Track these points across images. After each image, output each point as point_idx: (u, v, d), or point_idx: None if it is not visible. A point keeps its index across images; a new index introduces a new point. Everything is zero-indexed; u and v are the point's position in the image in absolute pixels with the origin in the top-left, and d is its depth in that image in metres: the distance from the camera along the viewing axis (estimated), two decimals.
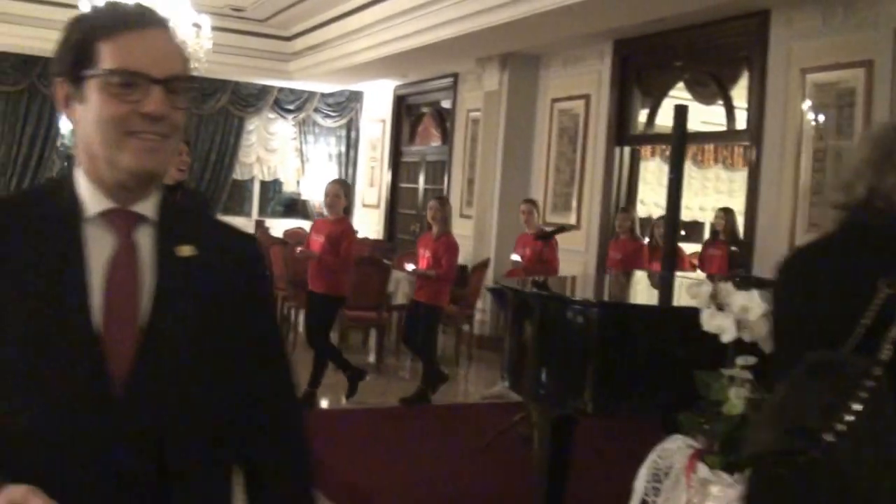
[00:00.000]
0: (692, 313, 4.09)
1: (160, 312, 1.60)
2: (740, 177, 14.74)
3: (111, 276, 1.59)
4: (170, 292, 1.62)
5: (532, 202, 10.24)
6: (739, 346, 3.40)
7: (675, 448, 3.33)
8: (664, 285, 6.53)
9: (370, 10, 12.54)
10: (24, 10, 13.39)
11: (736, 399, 3.19)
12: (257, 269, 1.85)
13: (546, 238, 8.79)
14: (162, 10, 7.01)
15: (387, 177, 16.26)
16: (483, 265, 11.24)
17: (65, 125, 15.65)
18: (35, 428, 1.51)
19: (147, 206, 1.68)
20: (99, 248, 1.60)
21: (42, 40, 13.58)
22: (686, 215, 13.69)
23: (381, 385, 9.41)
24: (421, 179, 15.49)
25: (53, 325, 1.53)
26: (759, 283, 4.50)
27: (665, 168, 13.93)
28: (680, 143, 7.79)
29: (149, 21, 1.66)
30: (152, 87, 1.60)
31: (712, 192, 14.92)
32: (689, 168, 14.16)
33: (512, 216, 11.39)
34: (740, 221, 9.78)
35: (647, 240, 10.70)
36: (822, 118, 8.26)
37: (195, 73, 6.98)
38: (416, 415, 8.29)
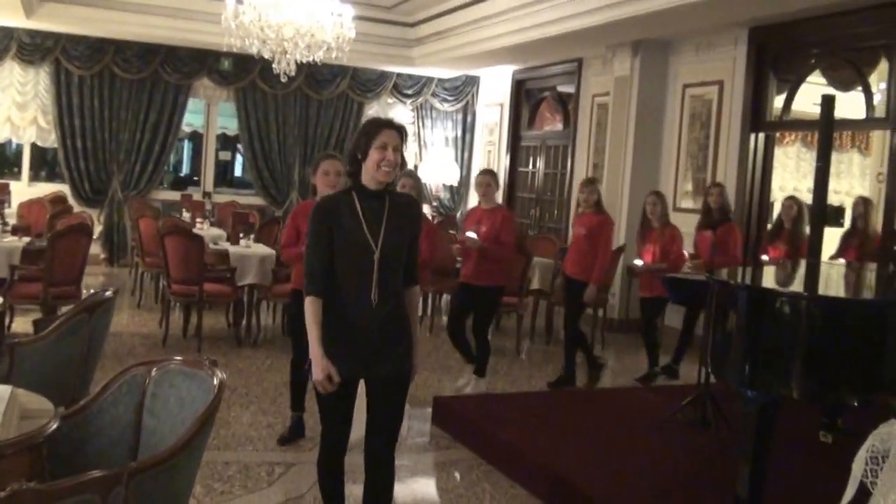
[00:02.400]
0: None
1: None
2: (848, 158, 14.73)
3: None
4: None
5: (491, 173, 9.29)
6: None
7: (893, 432, 3.46)
8: (834, 276, 6.66)
9: (497, 0, 12.72)
10: None
11: None
12: None
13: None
14: (305, 0, 7.17)
15: (505, 161, 16.42)
16: (618, 251, 11.28)
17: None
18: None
19: None
20: None
21: (164, 28, 14.07)
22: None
23: (524, 370, 9.65)
24: (540, 164, 15.63)
25: None
26: None
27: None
28: (827, 132, 7.93)
29: None
30: None
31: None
32: (799, 151, 14.19)
33: (642, 202, 11.52)
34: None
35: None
36: None
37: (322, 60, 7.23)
38: (567, 398, 8.45)
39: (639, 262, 9.30)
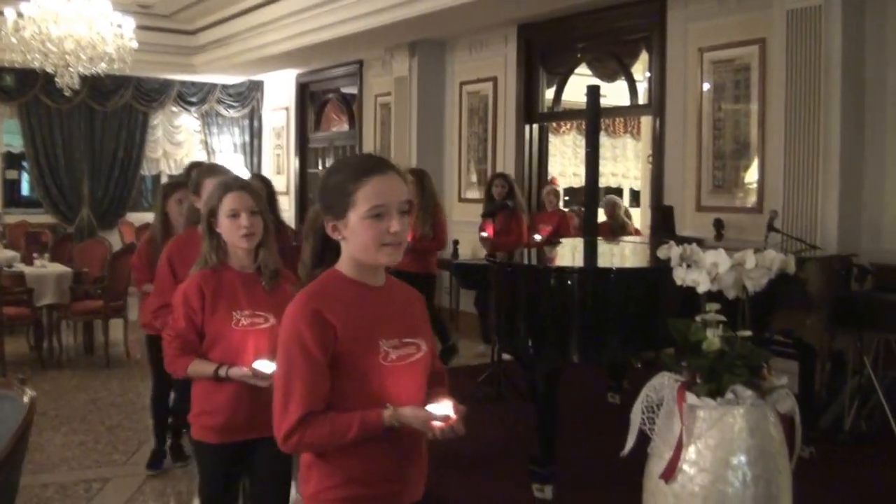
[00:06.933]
0: (653, 272, 4.85)
1: None
2: (622, 143, 15.83)
3: None
4: None
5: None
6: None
7: (664, 383, 3.95)
8: (603, 250, 7.29)
9: (277, 5, 12.97)
10: None
11: (713, 338, 3.81)
12: None
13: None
14: (84, 12, 6.92)
15: (294, 163, 16.69)
16: None
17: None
18: None
19: None
20: None
21: None
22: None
23: None
24: (329, 164, 15.92)
25: None
26: (683, 241, 5.24)
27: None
28: (593, 120, 8.54)
29: None
30: None
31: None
32: (575, 139, 15.13)
33: None
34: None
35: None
36: (719, 91, 9.09)
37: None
38: None
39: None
